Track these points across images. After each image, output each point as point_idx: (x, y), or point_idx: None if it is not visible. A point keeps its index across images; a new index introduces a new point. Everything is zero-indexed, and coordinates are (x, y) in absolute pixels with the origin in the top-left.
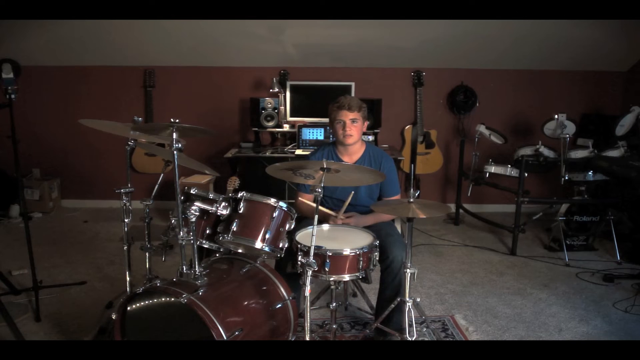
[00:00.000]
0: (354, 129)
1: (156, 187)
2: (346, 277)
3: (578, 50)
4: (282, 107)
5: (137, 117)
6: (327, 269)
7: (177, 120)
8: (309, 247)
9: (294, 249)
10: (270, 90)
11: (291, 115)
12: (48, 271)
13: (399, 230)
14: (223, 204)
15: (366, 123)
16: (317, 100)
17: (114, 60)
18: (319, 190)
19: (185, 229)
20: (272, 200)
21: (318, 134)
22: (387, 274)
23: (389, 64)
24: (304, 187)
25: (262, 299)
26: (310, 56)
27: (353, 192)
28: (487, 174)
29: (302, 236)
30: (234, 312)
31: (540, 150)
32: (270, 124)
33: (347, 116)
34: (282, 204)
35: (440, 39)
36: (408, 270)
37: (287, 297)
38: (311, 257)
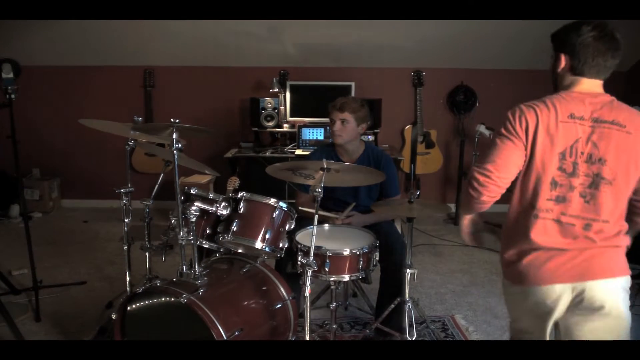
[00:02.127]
0: (342, 130)
1: (156, 187)
2: (346, 277)
3: None
4: (282, 107)
5: (137, 117)
6: (327, 269)
7: (177, 120)
8: (309, 247)
9: (294, 249)
10: (270, 90)
11: (291, 115)
12: (48, 271)
13: (399, 230)
14: (223, 204)
15: (363, 125)
16: (317, 100)
17: (113, 60)
18: (319, 190)
19: (185, 229)
20: (272, 200)
21: (318, 134)
22: (387, 274)
23: (389, 64)
24: (304, 187)
25: (262, 299)
26: (310, 56)
27: (355, 203)
28: None
29: (302, 236)
30: (234, 312)
31: None
32: (270, 124)
33: (337, 116)
34: (282, 204)
35: (440, 39)
36: (408, 270)
37: (287, 297)
38: (311, 257)
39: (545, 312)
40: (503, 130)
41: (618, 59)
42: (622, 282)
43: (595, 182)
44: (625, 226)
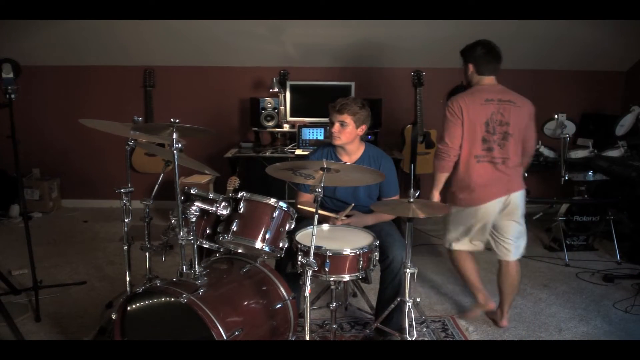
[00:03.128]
0: (340, 131)
1: (156, 187)
2: (346, 277)
3: (578, 50)
4: (282, 107)
5: (137, 117)
6: (327, 269)
7: (177, 120)
8: (309, 247)
9: (294, 249)
10: (270, 90)
11: (291, 115)
12: (48, 271)
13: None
14: (223, 204)
15: (363, 127)
16: (317, 100)
17: (113, 60)
18: (319, 190)
19: (185, 229)
20: (272, 200)
21: (318, 134)
22: (387, 274)
23: (389, 64)
24: (303, 187)
25: (262, 299)
26: (310, 56)
27: (353, 204)
28: None
29: (302, 236)
30: (234, 312)
31: (540, 150)
32: (270, 123)
33: (336, 118)
34: (282, 204)
35: (440, 39)
36: (408, 270)
37: (287, 297)
38: (311, 257)
39: (487, 219)
40: (448, 115)
41: (501, 62)
42: (523, 192)
43: (505, 136)
44: (520, 160)
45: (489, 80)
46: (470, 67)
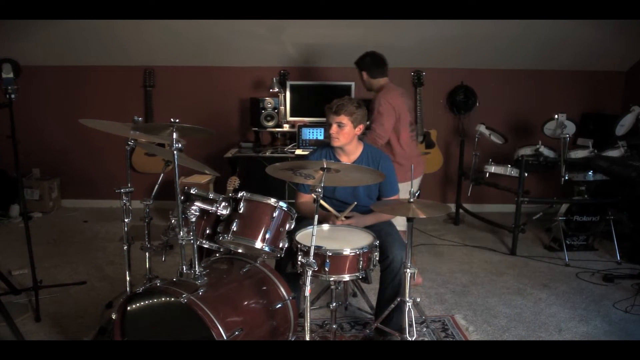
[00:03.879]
0: (338, 132)
1: (156, 187)
2: (346, 277)
3: (578, 50)
4: (282, 107)
5: (137, 117)
6: (327, 269)
7: (177, 120)
8: (309, 247)
9: (294, 249)
10: (270, 90)
11: (291, 115)
12: (48, 271)
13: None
14: (223, 204)
15: (361, 126)
16: (317, 100)
17: (113, 59)
18: (319, 190)
19: (185, 229)
20: (272, 200)
21: (318, 134)
22: (387, 274)
23: (389, 64)
24: (303, 187)
25: (262, 299)
26: (310, 56)
27: (355, 202)
28: (487, 173)
29: (302, 236)
30: (234, 312)
31: (540, 150)
32: (270, 123)
33: (334, 119)
34: (282, 204)
35: (440, 39)
36: (408, 270)
37: (287, 297)
38: (311, 257)
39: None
40: (383, 110)
41: (387, 66)
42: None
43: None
44: None
45: (384, 80)
46: (364, 74)
